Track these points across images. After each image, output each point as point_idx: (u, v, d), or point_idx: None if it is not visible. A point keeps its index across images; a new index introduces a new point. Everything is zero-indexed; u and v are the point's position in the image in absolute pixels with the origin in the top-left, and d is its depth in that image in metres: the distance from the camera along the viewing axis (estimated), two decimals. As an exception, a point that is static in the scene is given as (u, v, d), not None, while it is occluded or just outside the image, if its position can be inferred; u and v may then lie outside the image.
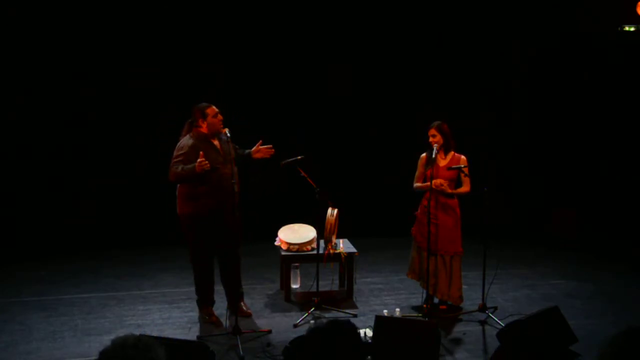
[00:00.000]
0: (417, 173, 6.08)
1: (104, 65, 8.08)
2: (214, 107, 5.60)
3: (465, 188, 5.97)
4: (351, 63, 8.74)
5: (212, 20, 8.27)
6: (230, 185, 5.36)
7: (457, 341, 5.49)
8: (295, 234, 6.48)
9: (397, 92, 8.83)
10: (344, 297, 6.44)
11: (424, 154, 6.06)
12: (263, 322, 5.87)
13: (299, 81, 8.61)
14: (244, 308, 5.98)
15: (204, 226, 5.60)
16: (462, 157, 5.99)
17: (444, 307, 6.06)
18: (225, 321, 5.58)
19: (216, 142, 5.62)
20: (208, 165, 5.32)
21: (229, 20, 8.32)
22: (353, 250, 6.48)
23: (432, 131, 5.92)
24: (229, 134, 5.52)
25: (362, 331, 5.25)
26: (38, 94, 7.95)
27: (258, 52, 8.45)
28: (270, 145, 5.78)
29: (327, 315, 5.95)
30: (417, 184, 6.05)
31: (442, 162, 5.96)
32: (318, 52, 8.62)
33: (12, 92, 7.90)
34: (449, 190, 5.91)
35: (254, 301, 6.36)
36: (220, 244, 5.69)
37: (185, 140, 5.58)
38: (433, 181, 5.78)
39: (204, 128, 5.57)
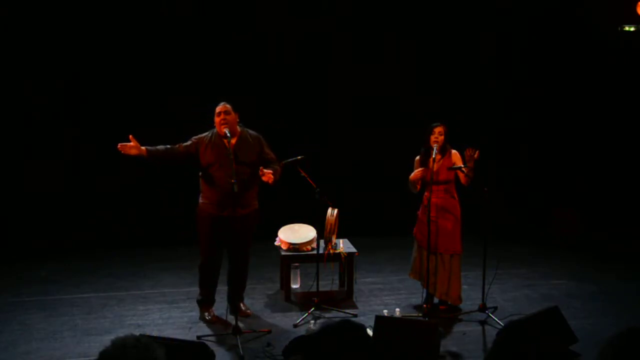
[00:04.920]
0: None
1: (106, 63, 8.08)
2: (220, 105, 5.62)
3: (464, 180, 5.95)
4: (349, 63, 8.74)
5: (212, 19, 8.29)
6: (230, 185, 5.36)
7: (457, 341, 5.49)
8: (295, 234, 6.49)
9: (396, 91, 8.82)
10: (344, 297, 6.44)
11: (417, 157, 6.04)
12: (263, 322, 5.87)
13: (299, 81, 8.61)
14: (244, 308, 5.99)
15: (208, 223, 5.66)
16: (456, 152, 5.97)
17: (443, 307, 6.06)
18: (225, 320, 5.59)
19: (226, 141, 5.60)
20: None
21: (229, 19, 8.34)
22: (353, 250, 6.48)
23: (440, 129, 5.88)
24: (228, 134, 5.53)
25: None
26: (39, 92, 7.95)
27: (258, 52, 8.46)
28: (270, 171, 5.50)
29: (327, 315, 5.95)
30: (411, 177, 6.01)
31: (438, 163, 5.92)
32: (318, 52, 8.63)
33: (13, 91, 7.90)
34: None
35: (254, 301, 6.36)
36: (226, 244, 5.71)
37: (206, 133, 5.70)
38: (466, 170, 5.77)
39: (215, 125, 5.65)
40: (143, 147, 5.47)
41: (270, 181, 5.51)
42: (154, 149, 5.55)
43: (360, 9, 8.68)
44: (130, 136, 5.42)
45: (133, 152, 5.44)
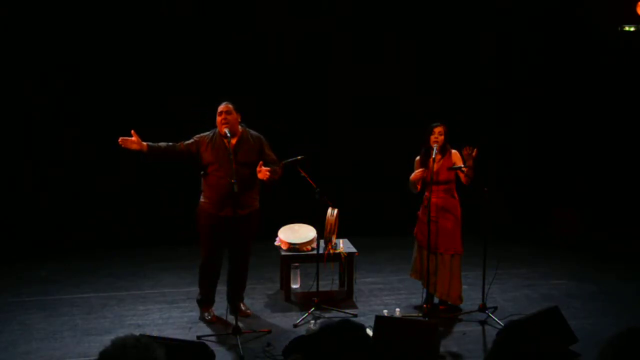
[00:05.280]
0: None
1: (106, 63, 8.08)
2: (222, 105, 5.62)
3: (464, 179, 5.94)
4: (349, 63, 8.75)
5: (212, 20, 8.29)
6: (230, 185, 5.35)
7: (457, 341, 5.49)
8: (295, 234, 6.48)
9: (396, 91, 8.82)
10: (344, 297, 6.44)
11: (417, 157, 6.03)
12: (263, 322, 5.87)
13: (299, 82, 8.61)
14: (244, 308, 5.99)
15: (208, 222, 5.67)
16: (456, 152, 5.97)
17: (443, 307, 6.05)
18: (225, 320, 5.60)
19: (226, 141, 5.58)
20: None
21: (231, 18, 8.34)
22: (353, 250, 6.48)
23: (440, 129, 5.88)
24: (228, 134, 5.52)
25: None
26: (38, 92, 7.95)
27: (258, 52, 8.46)
28: (268, 169, 5.49)
29: (327, 315, 5.95)
30: (411, 177, 6.00)
31: (438, 164, 5.92)
32: (318, 52, 8.63)
33: (13, 91, 7.90)
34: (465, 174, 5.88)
35: (254, 301, 6.36)
36: (226, 244, 5.71)
37: (208, 132, 5.69)
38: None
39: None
40: (144, 143, 5.47)
41: (265, 178, 5.47)
42: (154, 145, 5.54)
43: (360, 9, 8.68)
44: (133, 131, 5.42)
45: (134, 147, 5.44)
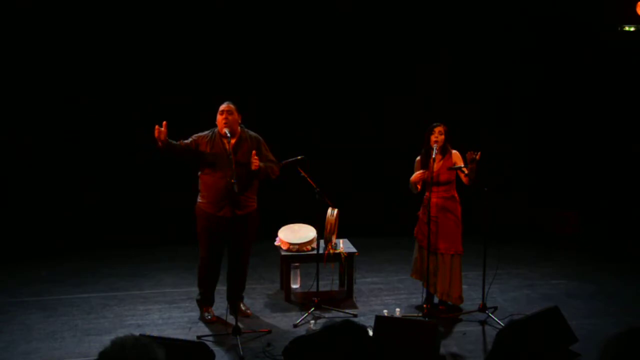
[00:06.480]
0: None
1: (105, 63, 8.08)
2: (224, 104, 5.61)
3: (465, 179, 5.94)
4: (352, 61, 8.75)
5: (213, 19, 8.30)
6: (230, 185, 5.35)
7: (457, 341, 5.49)
8: (295, 234, 6.48)
9: (397, 92, 8.82)
10: (344, 297, 6.44)
11: (418, 157, 6.03)
12: (263, 322, 5.87)
13: (299, 81, 8.61)
14: (244, 308, 5.99)
15: (206, 222, 5.66)
16: (456, 152, 5.96)
17: (442, 307, 6.05)
18: (225, 320, 5.60)
19: (226, 141, 5.59)
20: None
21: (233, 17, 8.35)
22: (353, 250, 6.48)
23: (440, 129, 5.87)
24: (229, 134, 5.52)
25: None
26: (37, 92, 7.95)
27: (262, 52, 8.46)
28: (258, 157, 5.52)
29: (327, 315, 5.95)
30: (411, 178, 6.00)
31: (438, 164, 5.92)
32: (319, 53, 8.63)
33: (11, 91, 7.90)
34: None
35: (254, 301, 6.36)
36: (225, 244, 5.71)
37: (207, 132, 5.67)
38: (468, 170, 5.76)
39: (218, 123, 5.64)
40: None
41: (254, 168, 5.45)
42: (170, 141, 5.49)
43: (360, 9, 8.67)
44: (165, 122, 5.36)
45: (162, 137, 5.37)
